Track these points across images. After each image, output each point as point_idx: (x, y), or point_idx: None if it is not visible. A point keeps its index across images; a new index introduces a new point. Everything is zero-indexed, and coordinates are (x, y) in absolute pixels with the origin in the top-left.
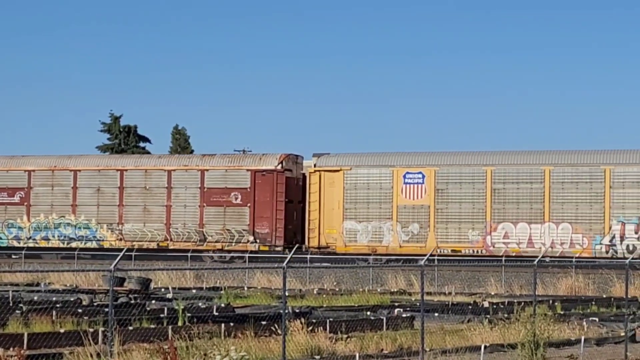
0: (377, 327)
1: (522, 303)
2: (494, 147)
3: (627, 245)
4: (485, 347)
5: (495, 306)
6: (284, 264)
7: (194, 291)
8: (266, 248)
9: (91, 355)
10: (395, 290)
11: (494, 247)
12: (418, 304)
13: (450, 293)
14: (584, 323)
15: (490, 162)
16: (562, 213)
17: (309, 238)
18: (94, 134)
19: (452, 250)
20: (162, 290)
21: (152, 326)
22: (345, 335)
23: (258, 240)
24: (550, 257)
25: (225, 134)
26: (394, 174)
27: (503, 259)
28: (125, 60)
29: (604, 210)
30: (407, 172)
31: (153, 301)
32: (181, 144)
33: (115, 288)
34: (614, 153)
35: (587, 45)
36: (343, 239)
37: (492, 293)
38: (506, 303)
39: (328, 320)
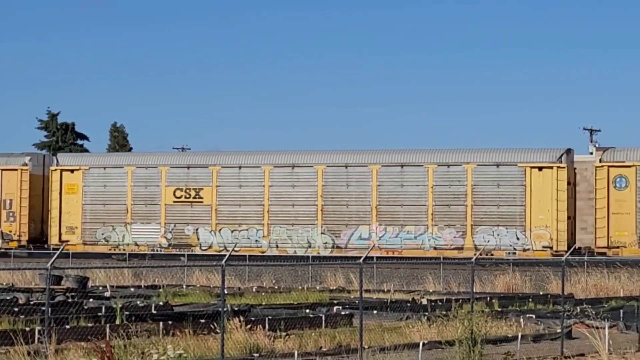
0: (316, 324)
1: (460, 300)
2: None
3: None
4: (423, 344)
5: (433, 303)
6: (223, 261)
7: (132, 289)
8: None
9: (25, 355)
10: (334, 288)
11: None
12: (357, 301)
13: (389, 290)
14: (521, 320)
15: None
16: None
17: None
18: (31, 131)
19: None
20: (100, 288)
21: (90, 325)
22: (284, 333)
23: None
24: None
25: (163, 131)
26: None
27: (441, 257)
28: (63, 57)
29: None
30: None
31: (91, 300)
32: (119, 141)
33: (52, 286)
34: None
35: None
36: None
37: (431, 290)
38: (444, 300)
39: (267, 318)
